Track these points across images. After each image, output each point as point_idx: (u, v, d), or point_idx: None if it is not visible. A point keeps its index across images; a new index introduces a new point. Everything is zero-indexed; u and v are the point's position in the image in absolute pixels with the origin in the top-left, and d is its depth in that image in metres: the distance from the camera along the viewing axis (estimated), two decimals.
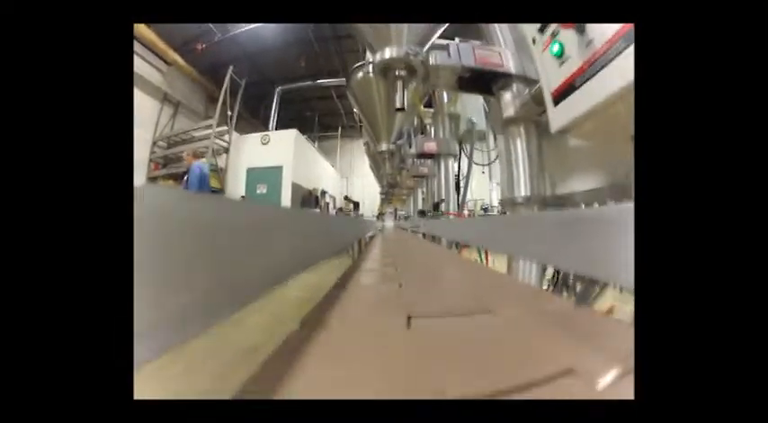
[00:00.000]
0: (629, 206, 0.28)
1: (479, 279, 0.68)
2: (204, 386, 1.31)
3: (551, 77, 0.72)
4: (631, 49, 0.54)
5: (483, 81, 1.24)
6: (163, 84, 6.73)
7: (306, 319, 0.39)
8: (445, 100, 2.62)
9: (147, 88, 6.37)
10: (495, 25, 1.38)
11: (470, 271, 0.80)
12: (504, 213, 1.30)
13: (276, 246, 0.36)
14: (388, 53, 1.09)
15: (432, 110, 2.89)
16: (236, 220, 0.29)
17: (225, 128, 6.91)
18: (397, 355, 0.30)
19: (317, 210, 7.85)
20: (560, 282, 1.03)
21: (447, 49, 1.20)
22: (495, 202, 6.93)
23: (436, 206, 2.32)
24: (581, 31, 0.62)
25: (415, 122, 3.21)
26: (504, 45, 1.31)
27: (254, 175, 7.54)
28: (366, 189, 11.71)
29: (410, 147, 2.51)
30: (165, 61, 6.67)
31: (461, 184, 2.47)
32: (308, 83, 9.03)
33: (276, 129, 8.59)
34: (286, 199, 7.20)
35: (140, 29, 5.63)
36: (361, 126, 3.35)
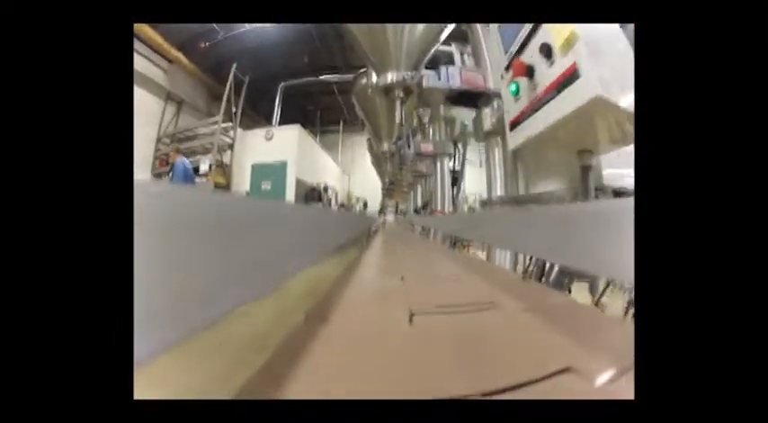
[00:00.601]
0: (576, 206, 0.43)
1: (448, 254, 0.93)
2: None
3: (510, 109, 0.95)
4: (561, 94, 0.77)
5: (468, 98, 1.47)
6: (166, 81, 6.82)
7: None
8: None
9: (150, 87, 6.45)
10: (484, 47, 1.60)
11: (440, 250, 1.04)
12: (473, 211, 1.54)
13: (326, 234, 0.60)
14: (389, 78, 1.31)
15: (429, 108, 3.13)
16: (303, 218, 0.53)
17: (230, 124, 6.99)
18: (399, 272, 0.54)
19: (320, 204, 8.04)
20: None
21: (438, 71, 1.43)
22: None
23: (425, 205, 2.65)
24: (530, 77, 0.86)
25: (414, 123, 3.43)
26: (489, 67, 1.53)
27: (259, 171, 7.64)
28: (367, 184, 11.87)
29: (409, 147, 2.75)
30: (169, 59, 6.77)
31: (459, 182, 2.74)
32: (311, 79, 9.13)
33: (279, 124, 8.74)
34: (291, 194, 7.36)
35: (144, 29, 5.72)
36: (363, 123, 3.58)
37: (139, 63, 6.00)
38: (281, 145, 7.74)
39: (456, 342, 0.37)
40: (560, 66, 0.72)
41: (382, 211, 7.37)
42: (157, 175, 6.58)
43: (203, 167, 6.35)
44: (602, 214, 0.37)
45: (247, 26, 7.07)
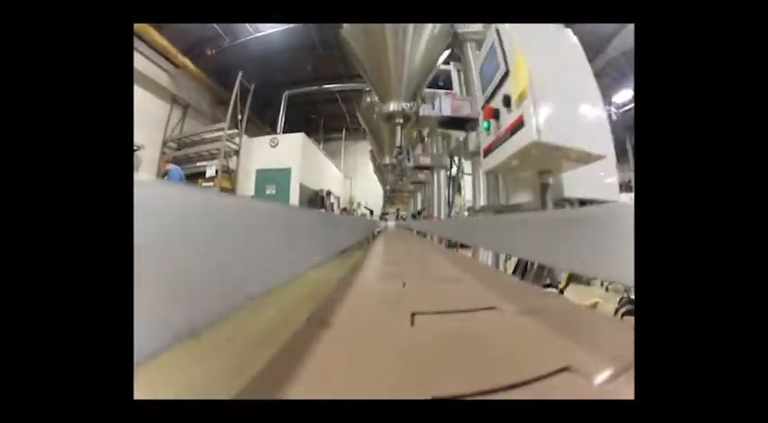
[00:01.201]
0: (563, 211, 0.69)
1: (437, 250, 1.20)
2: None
3: (483, 141, 1.24)
4: (513, 136, 1.04)
5: (457, 123, 1.76)
6: (171, 86, 6.92)
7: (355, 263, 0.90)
8: None
9: (156, 91, 6.57)
10: (474, 73, 1.87)
11: (432, 248, 1.32)
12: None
13: (339, 235, 0.87)
14: (391, 107, 1.59)
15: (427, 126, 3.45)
16: (314, 221, 0.80)
17: (235, 131, 7.19)
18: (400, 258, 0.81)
19: (323, 209, 8.28)
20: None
21: (432, 101, 1.71)
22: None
23: (419, 212, 3.13)
24: (497, 118, 1.14)
25: (415, 135, 3.73)
26: (478, 91, 1.81)
27: (264, 177, 7.87)
28: (369, 190, 12.14)
29: (409, 161, 3.04)
30: (175, 65, 6.84)
31: (452, 190, 3.03)
32: (315, 87, 9.30)
33: (283, 131, 9.01)
34: (294, 199, 7.59)
35: (151, 33, 5.80)
36: (365, 132, 3.90)
37: (146, 67, 6.11)
38: (285, 152, 7.95)
39: (453, 338, 0.39)
40: (514, 115, 1.01)
41: (384, 216, 7.63)
42: (164, 175, 6.77)
43: (210, 172, 6.60)
44: (574, 220, 0.40)
45: (252, 34, 7.21)
